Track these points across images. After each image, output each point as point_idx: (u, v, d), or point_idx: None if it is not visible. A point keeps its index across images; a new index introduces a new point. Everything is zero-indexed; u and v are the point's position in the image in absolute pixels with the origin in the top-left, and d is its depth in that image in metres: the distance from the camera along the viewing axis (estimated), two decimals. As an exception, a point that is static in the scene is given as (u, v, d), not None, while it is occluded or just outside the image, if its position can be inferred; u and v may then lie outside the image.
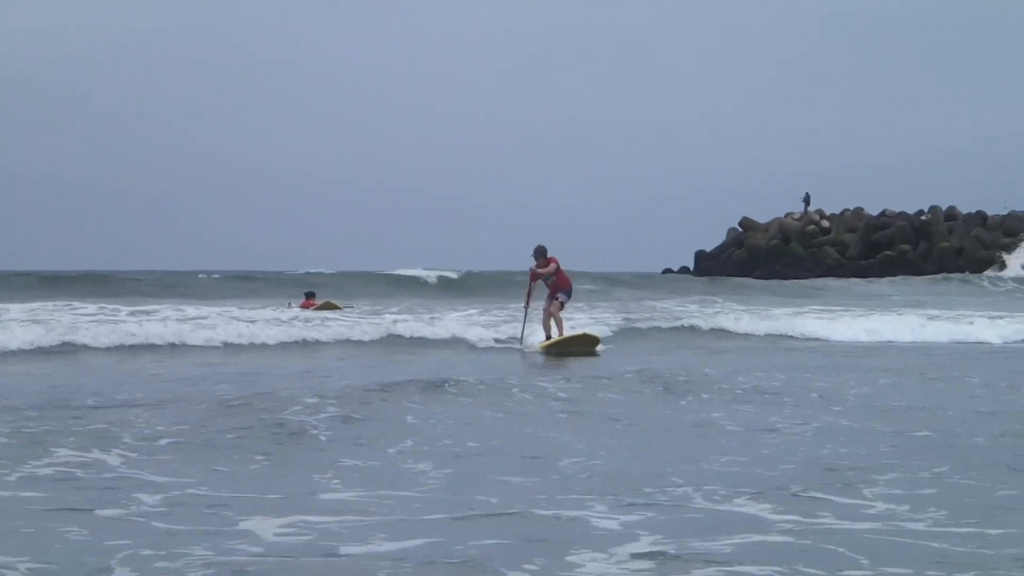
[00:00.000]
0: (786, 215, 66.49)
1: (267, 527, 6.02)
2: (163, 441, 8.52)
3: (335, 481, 7.29)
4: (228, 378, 13.24)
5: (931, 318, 26.91)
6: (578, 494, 6.91)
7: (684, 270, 64.27)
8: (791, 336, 24.44)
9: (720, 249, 66.14)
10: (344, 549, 5.67)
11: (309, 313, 26.62)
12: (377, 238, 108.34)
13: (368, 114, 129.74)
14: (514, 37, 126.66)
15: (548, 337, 20.35)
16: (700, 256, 66.04)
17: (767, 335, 24.44)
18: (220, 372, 14.30)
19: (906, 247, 62.79)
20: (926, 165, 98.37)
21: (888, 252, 62.53)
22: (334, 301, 29.50)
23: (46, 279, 40.76)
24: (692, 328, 24.82)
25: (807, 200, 66.56)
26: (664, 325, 25.06)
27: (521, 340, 21.16)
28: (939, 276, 56.77)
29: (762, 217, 66.86)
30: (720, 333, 24.36)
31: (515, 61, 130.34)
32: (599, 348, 19.78)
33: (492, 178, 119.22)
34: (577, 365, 16.78)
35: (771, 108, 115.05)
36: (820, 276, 57.05)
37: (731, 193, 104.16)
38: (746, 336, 24.16)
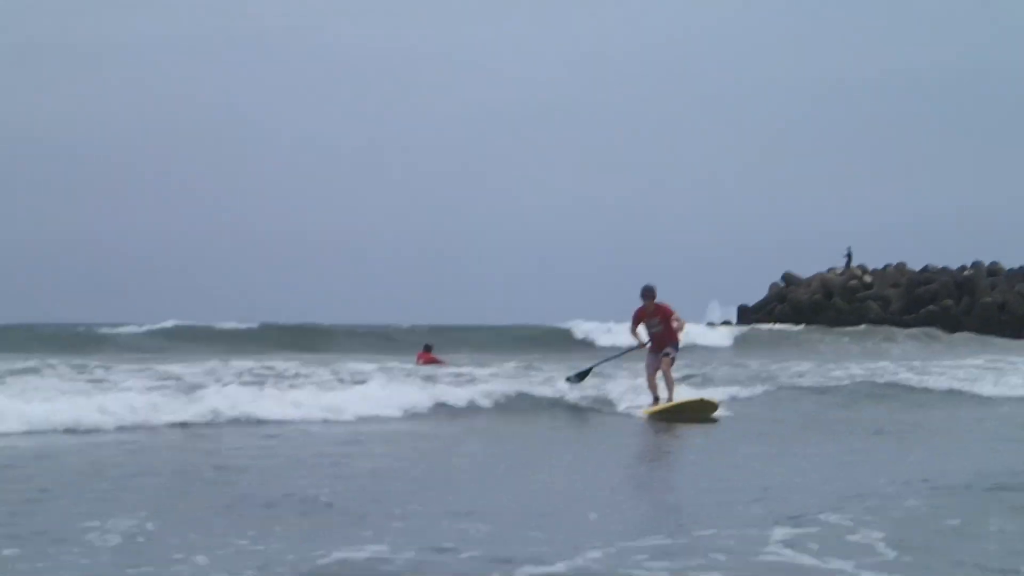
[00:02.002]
0: (828, 270, 66.90)
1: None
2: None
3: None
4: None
5: None
6: None
7: (726, 324, 64.68)
8: None
9: (763, 303, 66.51)
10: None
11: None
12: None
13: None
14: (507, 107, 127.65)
15: (656, 399, 17.72)
16: (743, 310, 66.40)
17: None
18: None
19: (949, 302, 62.95)
20: (967, 222, 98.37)
21: (931, 307, 62.71)
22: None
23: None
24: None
25: (849, 255, 67.00)
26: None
27: (581, 376, 18.82)
28: None
29: (804, 273, 67.35)
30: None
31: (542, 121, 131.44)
32: (716, 414, 16.94)
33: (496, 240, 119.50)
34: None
35: (810, 168, 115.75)
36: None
37: (772, 250, 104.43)
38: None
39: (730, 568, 6.73)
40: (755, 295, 67.80)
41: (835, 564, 6.84)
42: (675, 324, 17.83)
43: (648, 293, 17.90)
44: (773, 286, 67.39)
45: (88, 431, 13.73)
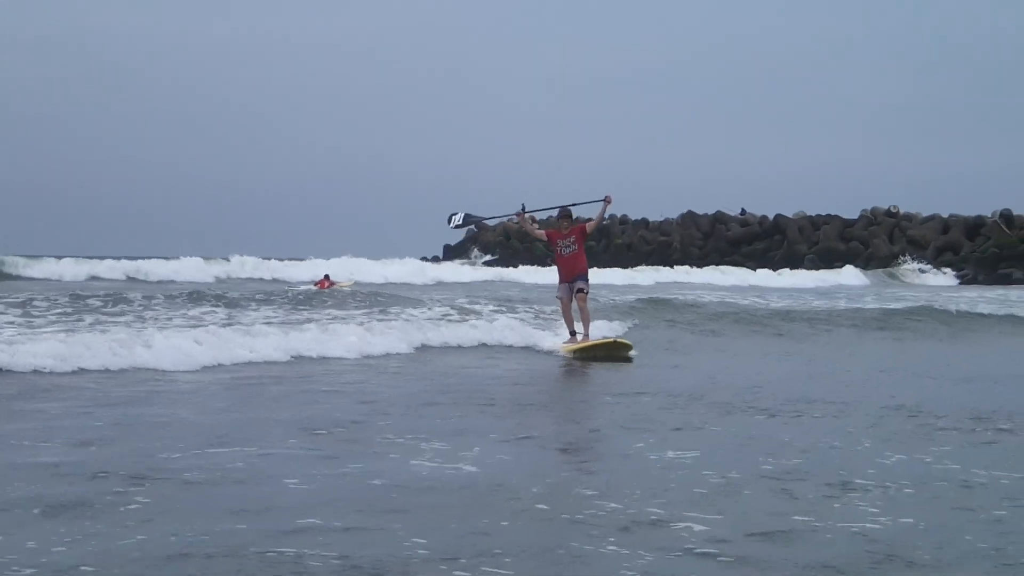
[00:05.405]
0: (507, 219, 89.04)
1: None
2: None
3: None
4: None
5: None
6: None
7: (436, 259, 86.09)
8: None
9: (462, 243, 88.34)
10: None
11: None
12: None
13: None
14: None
15: (572, 334, 17.30)
16: (447, 248, 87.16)
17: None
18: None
19: (592, 243, 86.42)
20: (606, 181, 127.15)
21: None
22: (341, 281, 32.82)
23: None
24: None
25: (523, 209, 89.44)
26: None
27: (463, 219, 18.62)
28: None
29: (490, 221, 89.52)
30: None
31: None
32: (631, 353, 16.71)
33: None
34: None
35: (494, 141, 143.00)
36: (533, 264, 79.90)
37: (468, 201, 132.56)
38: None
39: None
40: (455, 237, 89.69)
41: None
42: (591, 226, 17.54)
43: (566, 213, 17.31)
44: (468, 231, 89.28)
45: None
